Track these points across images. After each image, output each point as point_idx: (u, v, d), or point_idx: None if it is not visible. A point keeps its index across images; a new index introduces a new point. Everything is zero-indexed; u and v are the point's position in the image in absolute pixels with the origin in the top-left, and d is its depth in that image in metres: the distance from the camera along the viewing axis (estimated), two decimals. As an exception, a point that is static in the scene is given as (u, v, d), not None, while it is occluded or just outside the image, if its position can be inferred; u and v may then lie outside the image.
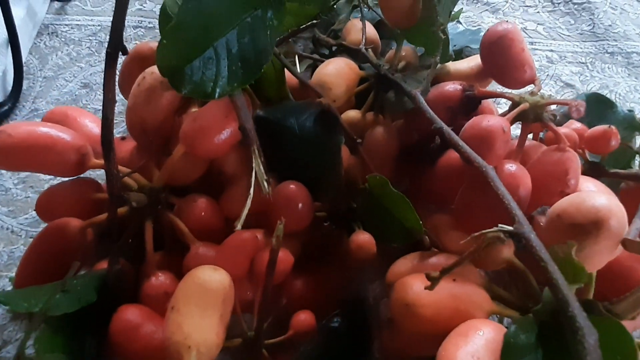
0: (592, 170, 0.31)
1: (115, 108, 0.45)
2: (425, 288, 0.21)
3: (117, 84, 0.36)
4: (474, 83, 0.33)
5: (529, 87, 0.31)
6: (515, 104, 0.28)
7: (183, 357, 0.22)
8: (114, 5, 0.23)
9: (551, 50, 0.45)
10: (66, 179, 0.31)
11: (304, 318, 0.27)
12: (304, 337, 0.26)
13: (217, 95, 0.22)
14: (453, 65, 0.33)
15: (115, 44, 0.24)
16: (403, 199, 0.24)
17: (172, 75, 0.20)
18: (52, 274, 0.28)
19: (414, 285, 0.25)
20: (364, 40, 0.34)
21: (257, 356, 0.25)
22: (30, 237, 0.37)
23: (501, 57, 0.30)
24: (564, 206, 0.22)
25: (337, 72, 0.29)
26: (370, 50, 0.35)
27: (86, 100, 0.44)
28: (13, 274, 0.36)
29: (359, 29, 0.36)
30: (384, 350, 0.30)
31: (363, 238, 0.28)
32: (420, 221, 0.24)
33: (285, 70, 0.37)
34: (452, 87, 0.31)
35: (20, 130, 0.25)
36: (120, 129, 0.42)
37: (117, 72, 0.37)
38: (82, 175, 0.31)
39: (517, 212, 0.19)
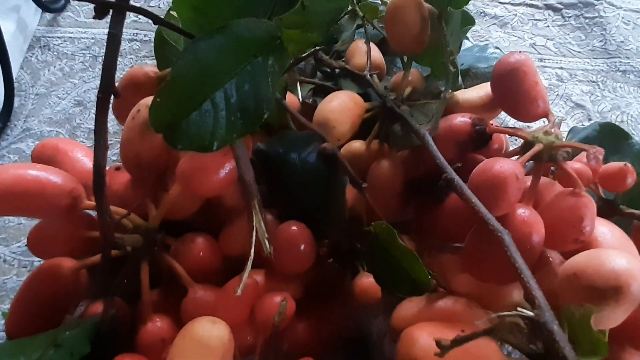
0: (605, 208, 0.29)
1: (110, 128, 0.44)
2: (435, 354, 0.20)
3: (110, 109, 0.35)
4: (483, 114, 0.32)
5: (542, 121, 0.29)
6: (528, 144, 0.27)
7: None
8: (108, 17, 0.21)
9: (561, 68, 0.44)
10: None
11: (306, 367, 0.26)
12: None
13: (215, 148, 0.20)
14: (462, 95, 0.32)
15: (106, 88, 0.22)
16: (411, 254, 0.23)
17: (168, 132, 0.19)
18: (46, 317, 0.27)
19: (420, 338, 0.24)
20: (368, 66, 0.33)
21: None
22: (23, 267, 0.36)
23: (513, 91, 0.28)
24: (582, 265, 0.21)
25: (341, 108, 0.27)
26: (375, 76, 0.33)
27: (80, 120, 0.42)
28: (6, 307, 0.35)
29: (364, 52, 0.35)
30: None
31: (368, 282, 0.27)
32: (429, 276, 0.23)
33: (287, 94, 0.35)
34: (461, 120, 0.29)
35: (8, 176, 0.24)
36: (115, 150, 0.41)
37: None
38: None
39: (537, 293, 0.18)
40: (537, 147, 0.26)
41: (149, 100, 0.29)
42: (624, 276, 0.20)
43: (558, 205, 0.26)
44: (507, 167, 0.24)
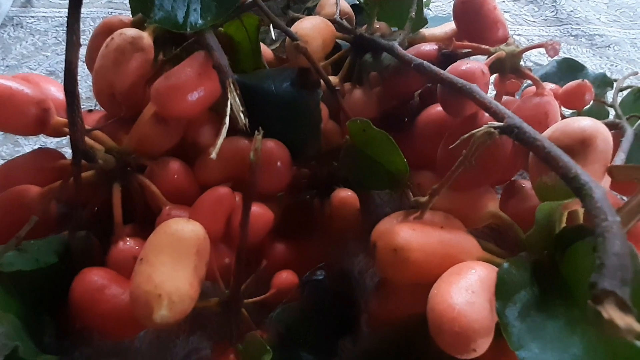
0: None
1: (82, 93, 0.43)
2: (414, 218, 0.20)
3: (85, 59, 0.35)
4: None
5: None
6: (491, 55, 0.28)
7: (153, 307, 0.20)
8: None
9: (518, 35, 0.47)
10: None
11: (285, 276, 0.25)
12: (286, 295, 0.25)
13: (189, 27, 0.21)
14: (428, 31, 0.34)
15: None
16: (386, 137, 0.23)
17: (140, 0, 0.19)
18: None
19: (401, 231, 0.24)
20: (338, 11, 0.34)
21: (237, 316, 0.23)
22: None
23: (474, 16, 0.30)
24: (548, 133, 0.22)
25: (313, 26, 0.28)
26: (344, 20, 0.34)
27: (51, 88, 0.42)
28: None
29: (333, 3, 0.36)
30: (373, 321, 0.29)
31: (345, 194, 0.27)
32: (405, 160, 0.23)
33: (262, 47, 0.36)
34: (428, 46, 0.31)
35: (-25, 81, 0.24)
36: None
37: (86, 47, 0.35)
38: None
39: (505, 111, 0.19)
40: (500, 53, 0.27)
41: (123, 29, 0.30)
42: (590, 130, 0.20)
43: (523, 107, 0.27)
44: (474, 64, 0.25)
